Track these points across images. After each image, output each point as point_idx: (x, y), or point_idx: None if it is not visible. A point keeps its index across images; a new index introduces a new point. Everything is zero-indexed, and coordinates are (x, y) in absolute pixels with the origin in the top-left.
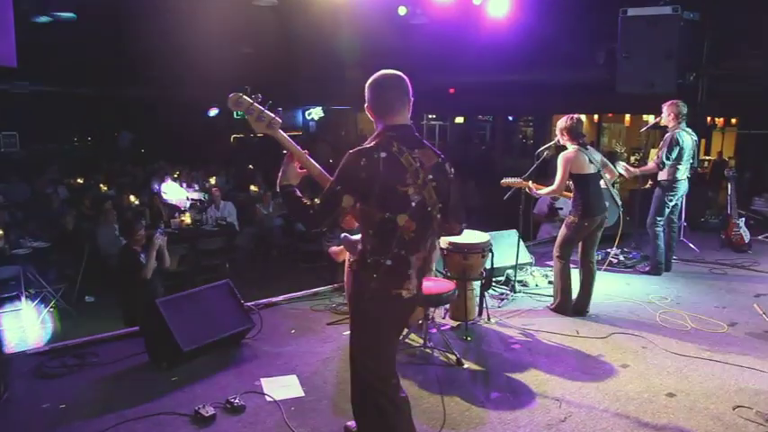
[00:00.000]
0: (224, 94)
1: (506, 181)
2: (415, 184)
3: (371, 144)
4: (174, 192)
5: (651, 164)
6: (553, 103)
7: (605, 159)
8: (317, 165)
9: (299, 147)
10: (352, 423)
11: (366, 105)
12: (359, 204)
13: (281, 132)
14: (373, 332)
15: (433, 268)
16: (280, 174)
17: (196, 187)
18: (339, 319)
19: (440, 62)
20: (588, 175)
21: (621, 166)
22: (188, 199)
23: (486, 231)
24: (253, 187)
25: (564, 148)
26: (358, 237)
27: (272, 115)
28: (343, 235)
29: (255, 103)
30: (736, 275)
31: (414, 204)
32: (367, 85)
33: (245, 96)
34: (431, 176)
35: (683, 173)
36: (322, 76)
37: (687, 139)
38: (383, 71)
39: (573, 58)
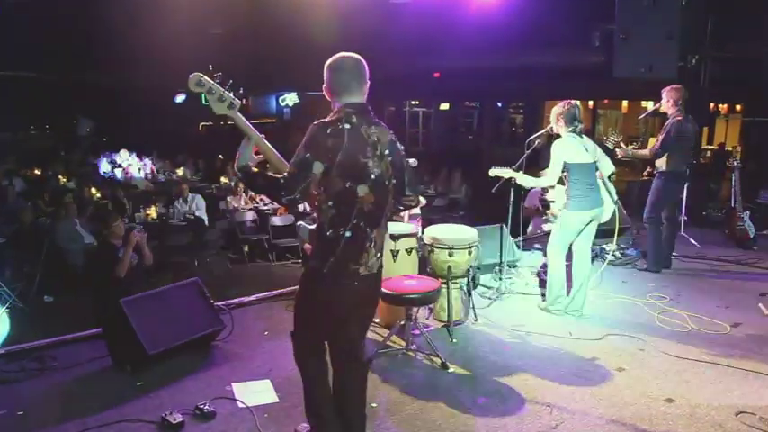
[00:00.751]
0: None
1: (495, 171)
2: (374, 157)
3: (334, 116)
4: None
5: (646, 150)
6: (545, 89)
7: (600, 150)
8: (274, 150)
9: (256, 131)
10: (302, 426)
11: (324, 86)
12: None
13: (239, 115)
14: (322, 311)
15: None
16: (237, 156)
17: (162, 178)
18: None
19: (423, 44)
20: (583, 164)
21: (612, 142)
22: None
23: (473, 226)
24: (223, 179)
25: (558, 136)
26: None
27: (233, 96)
28: (299, 223)
29: (216, 84)
30: (739, 273)
31: (373, 177)
32: (325, 66)
33: (205, 77)
34: (387, 152)
35: (683, 163)
36: (297, 60)
37: (687, 126)
38: (341, 54)
39: (567, 40)
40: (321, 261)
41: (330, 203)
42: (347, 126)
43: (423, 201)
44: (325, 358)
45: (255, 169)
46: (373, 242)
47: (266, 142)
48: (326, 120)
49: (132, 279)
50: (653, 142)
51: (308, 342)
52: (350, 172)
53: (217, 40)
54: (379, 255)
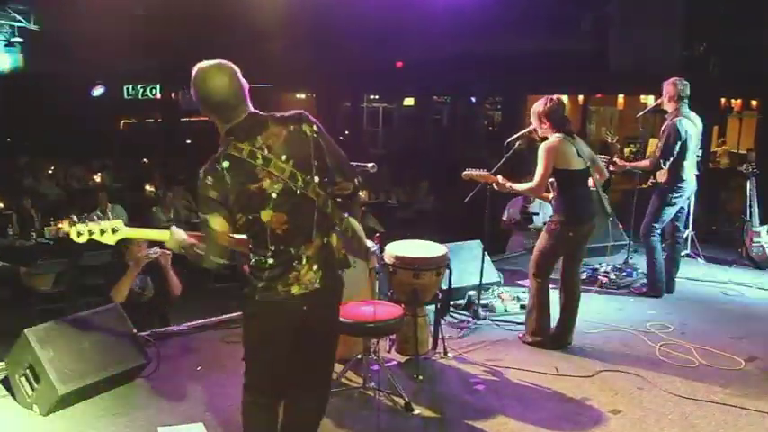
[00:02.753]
0: (112, 68)
1: (469, 173)
2: (270, 174)
3: (213, 156)
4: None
5: (645, 161)
6: (526, 82)
7: (594, 155)
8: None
9: (161, 232)
10: None
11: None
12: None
13: (131, 229)
14: (261, 342)
15: (367, 246)
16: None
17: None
18: None
19: (384, 30)
20: (575, 171)
21: (602, 159)
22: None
23: (443, 242)
24: (148, 186)
25: (543, 139)
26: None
27: (110, 219)
28: (173, 228)
29: (90, 221)
30: (756, 299)
31: (275, 196)
32: (191, 90)
33: (78, 223)
34: (284, 156)
35: (689, 169)
36: (237, 48)
37: (690, 127)
38: (203, 67)
39: (552, 25)
40: (251, 288)
41: (245, 235)
42: (225, 164)
43: (364, 197)
44: (277, 419)
45: (225, 261)
46: (304, 258)
47: (178, 232)
48: (208, 163)
49: (143, 311)
50: (654, 144)
51: (260, 389)
52: (245, 205)
53: (141, 22)
54: (316, 267)
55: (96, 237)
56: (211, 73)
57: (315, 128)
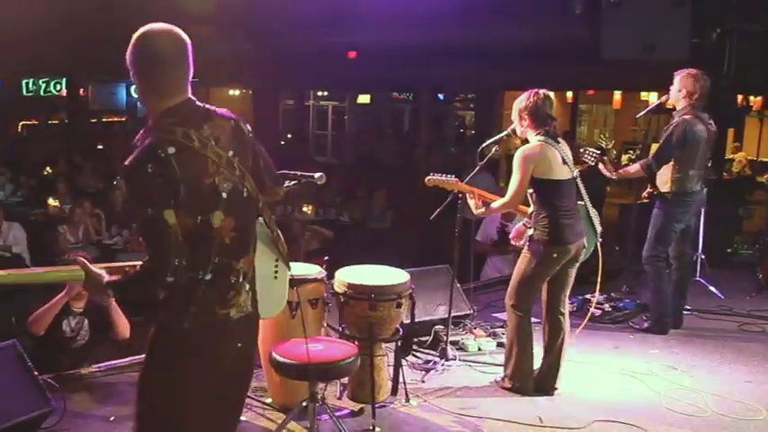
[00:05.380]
0: (7, 59)
1: (433, 179)
2: (219, 168)
3: (148, 141)
4: None
5: (636, 165)
6: (505, 75)
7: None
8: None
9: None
10: None
11: (134, 81)
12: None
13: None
14: (190, 392)
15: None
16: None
17: None
18: None
19: (333, 13)
20: (560, 182)
21: (593, 156)
22: None
23: (404, 268)
24: (51, 201)
25: (524, 142)
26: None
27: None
28: (81, 260)
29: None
30: None
31: (225, 195)
32: (129, 53)
33: None
34: (231, 152)
35: (698, 180)
36: None
37: (702, 129)
38: (151, 30)
39: (536, 7)
40: (177, 314)
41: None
42: (171, 150)
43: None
44: None
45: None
46: (241, 274)
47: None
48: (140, 151)
49: (69, 356)
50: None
51: None
52: (196, 202)
53: (43, 4)
54: (248, 287)
55: None
56: (166, 31)
57: (249, 127)
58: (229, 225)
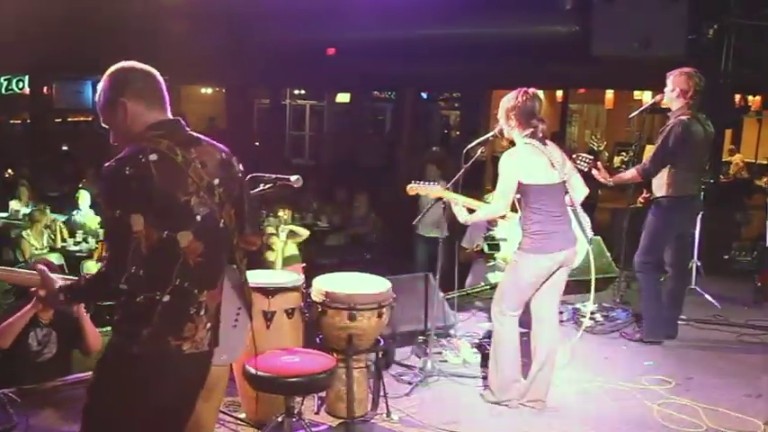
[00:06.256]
0: None
1: (414, 187)
2: (199, 191)
3: (132, 147)
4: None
5: (632, 170)
6: (492, 74)
7: (572, 166)
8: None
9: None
10: None
11: (104, 105)
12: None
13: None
14: (125, 420)
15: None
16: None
17: None
18: None
19: (310, 7)
20: (548, 186)
21: (585, 162)
22: None
23: (385, 275)
24: (14, 204)
25: (511, 144)
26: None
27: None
28: (40, 267)
29: None
30: None
31: (199, 218)
32: (107, 78)
33: None
34: (216, 180)
35: (695, 184)
36: (125, 29)
37: (699, 131)
38: (123, 67)
39: (525, 3)
40: (129, 336)
41: (142, 260)
42: (153, 157)
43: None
44: None
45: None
46: (203, 308)
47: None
48: (121, 155)
49: (33, 371)
50: (649, 152)
51: None
52: (166, 216)
53: None
54: (209, 325)
55: None
56: (138, 68)
57: (240, 167)
58: (197, 249)
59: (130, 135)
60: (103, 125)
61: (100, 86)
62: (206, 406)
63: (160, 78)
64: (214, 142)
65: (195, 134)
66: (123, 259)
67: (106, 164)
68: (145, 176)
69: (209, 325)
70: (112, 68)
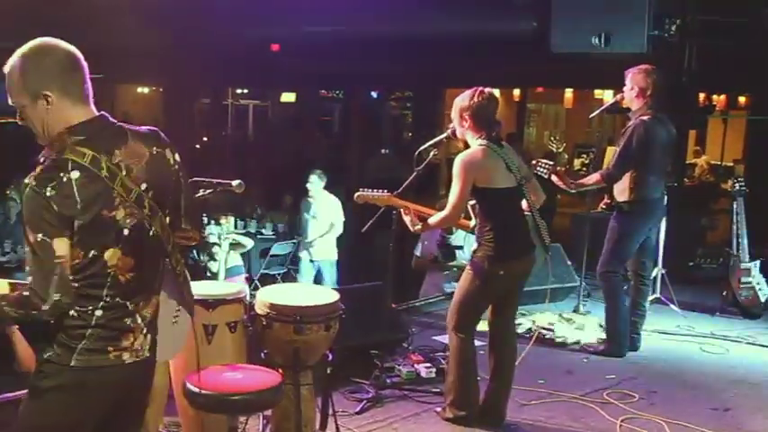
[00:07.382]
0: None
1: (363, 195)
2: (125, 203)
3: (52, 159)
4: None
5: (595, 175)
6: (446, 72)
7: (529, 170)
8: None
9: None
10: None
11: (19, 95)
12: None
13: None
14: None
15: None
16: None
17: None
18: None
19: (253, 2)
20: (503, 190)
21: (546, 169)
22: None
23: (334, 286)
24: None
25: (466, 146)
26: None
27: None
28: None
29: None
30: (745, 356)
31: (126, 232)
32: (18, 65)
33: None
34: (144, 185)
35: (657, 187)
36: (61, 23)
37: (661, 131)
38: (39, 43)
39: None
40: (66, 349)
41: (71, 278)
42: (75, 175)
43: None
44: None
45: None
46: (139, 317)
47: None
48: (41, 171)
49: None
50: (611, 154)
51: None
52: (91, 235)
53: None
54: (146, 331)
55: None
56: (54, 45)
57: (177, 156)
58: (128, 264)
59: (49, 137)
60: (18, 121)
61: (13, 69)
62: (148, 410)
63: (84, 63)
64: (144, 132)
65: (122, 128)
66: (46, 286)
67: (26, 179)
68: (67, 196)
69: (145, 330)
70: (32, 46)
